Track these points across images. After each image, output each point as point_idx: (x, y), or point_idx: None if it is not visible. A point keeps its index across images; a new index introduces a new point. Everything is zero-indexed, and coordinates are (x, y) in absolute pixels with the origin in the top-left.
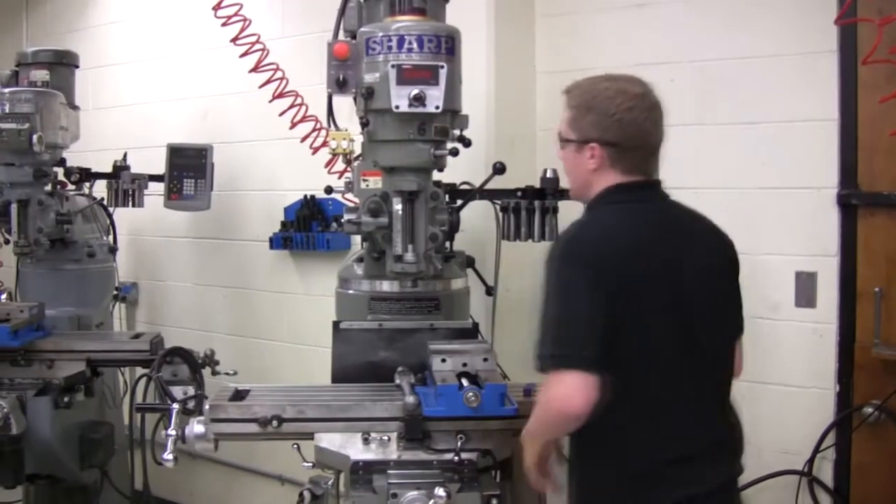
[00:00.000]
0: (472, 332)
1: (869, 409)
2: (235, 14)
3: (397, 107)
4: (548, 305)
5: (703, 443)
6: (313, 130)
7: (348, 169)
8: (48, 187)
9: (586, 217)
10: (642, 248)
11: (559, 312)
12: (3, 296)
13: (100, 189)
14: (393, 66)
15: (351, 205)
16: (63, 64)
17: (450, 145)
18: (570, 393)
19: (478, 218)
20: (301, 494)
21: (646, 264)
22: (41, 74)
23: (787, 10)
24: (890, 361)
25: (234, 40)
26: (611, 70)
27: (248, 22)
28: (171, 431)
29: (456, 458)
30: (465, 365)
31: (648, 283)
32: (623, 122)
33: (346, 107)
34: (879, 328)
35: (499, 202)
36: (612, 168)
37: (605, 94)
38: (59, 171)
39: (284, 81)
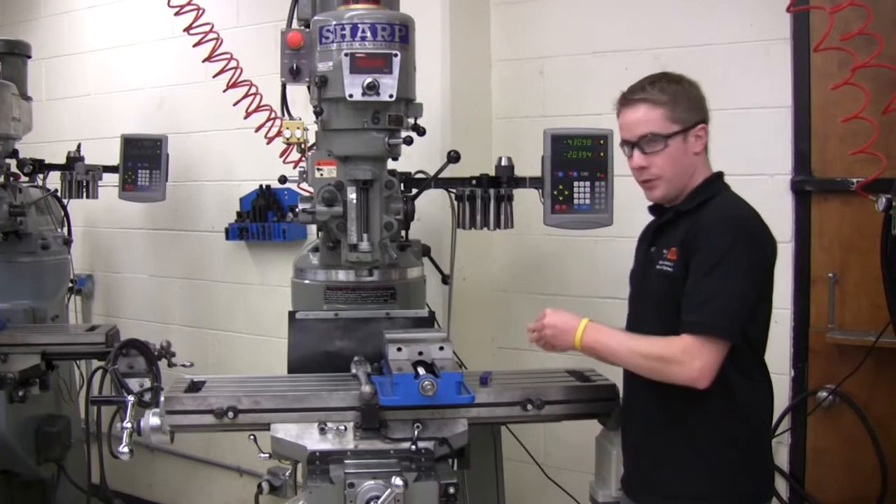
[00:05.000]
0: (428, 321)
1: (824, 394)
2: (189, 3)
3: (351, 95)
4: (718, 275)
5: None
6: (268, 120)
7: (303, 158)
8: (1, 179)
9: (736, 198)
10: None
11: (727, 286)
12: None
13: (54, 181)
14: (346, 54)
15: (306, 194)
16: (15, 54)
17: (404, 134)
18: (707, 367)
19: (433, 206)
20: (260, 486)
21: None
22: None
23: None
24: (844, 346)
25: (187, 29)
26: (566, 57)
27: (201, 11)
28: (127, 424)
29: (413, 447)
30: (421, 354)
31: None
32: (704, 99)
33: (300, 96)
34: (834, 313)
35: (454, 190)
36: (705, 147)
37: (681, 82)
38: (12, 162)
39: (239, 71)
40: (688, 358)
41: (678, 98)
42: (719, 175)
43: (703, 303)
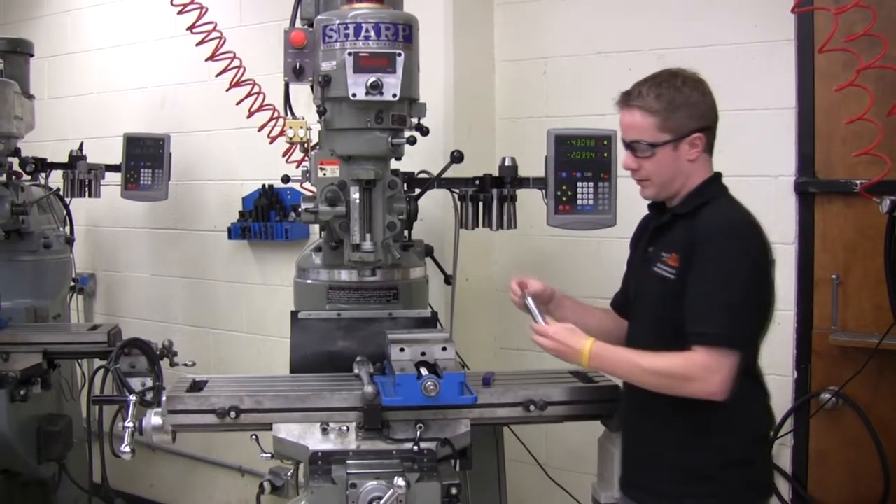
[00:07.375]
0: (430, 322)
1: (826, 396)
2: (191, 2)
3: (354, 95)
4: (723, 284)
5: None
6: (271, 119)
7: (306, 158)
8: (3, 178)
9: (732, 202)
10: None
11: (734, 295)
12: None
13: (56, 179)
14: (350, 53)
15: (308, 194)
16: (17, 52)
17: (407, 133)
18: (725, 380)
19: (436, 207)
20: (261, 485)
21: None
22: None
23: None
24: (847, 348)
25: (190, 28)
26: (569, 57)
27: (204, 10)
28: (129, 423)
29: (415, 447)
30: (423, 354)
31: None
32: (710, 104)
33: (303, 95)
34: (837, 315)
35: (457, 191)
36: (705, 152)
37: (683, 87)
38: (14, 161)
39: (242, 70)
40: (707, 374)
41: (675, 106)
42: (717, 176)
43: (712, 314)
